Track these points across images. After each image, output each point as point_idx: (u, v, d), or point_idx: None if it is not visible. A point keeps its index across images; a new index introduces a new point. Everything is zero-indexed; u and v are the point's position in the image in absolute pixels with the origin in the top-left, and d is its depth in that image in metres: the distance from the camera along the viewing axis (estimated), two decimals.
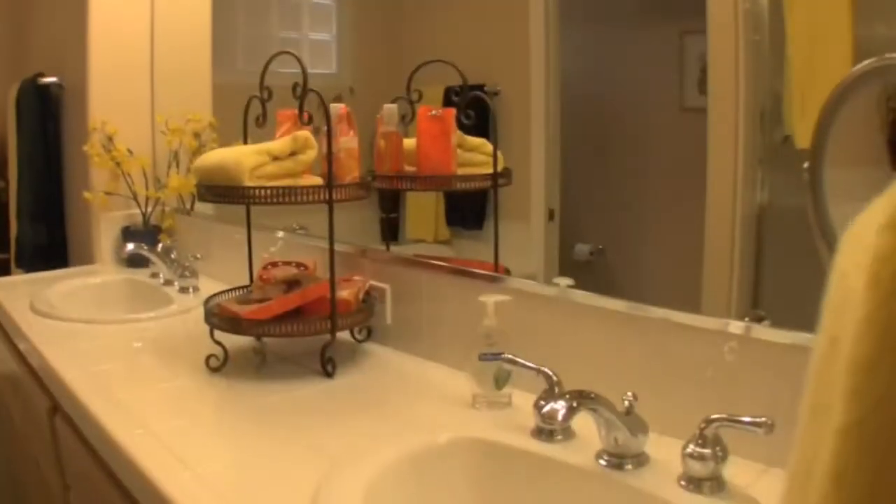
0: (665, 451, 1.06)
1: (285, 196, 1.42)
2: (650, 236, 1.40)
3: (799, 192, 1.14)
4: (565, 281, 1.36)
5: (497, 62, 1.65)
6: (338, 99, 1.84)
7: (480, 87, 1.59)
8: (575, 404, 0.99)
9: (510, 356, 1.19)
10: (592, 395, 1.02)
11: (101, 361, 1.67)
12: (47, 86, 3.00)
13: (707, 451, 0.98)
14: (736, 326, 1.12)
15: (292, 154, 1.50)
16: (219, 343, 1.53)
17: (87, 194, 2.60)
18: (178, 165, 2.50)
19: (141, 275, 2.48)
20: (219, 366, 1.52)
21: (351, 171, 1.51)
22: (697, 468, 0.99)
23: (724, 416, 0.98)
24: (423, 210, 1.81)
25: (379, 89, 1.89)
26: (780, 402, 0.97)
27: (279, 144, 1.49)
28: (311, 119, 1.51)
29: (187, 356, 1.66)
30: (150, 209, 2.60)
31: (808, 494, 0.47)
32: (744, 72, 1.22)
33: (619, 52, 1.48)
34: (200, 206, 2.54)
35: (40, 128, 3.04)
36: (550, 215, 1.57)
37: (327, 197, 1.45)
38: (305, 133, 1.51)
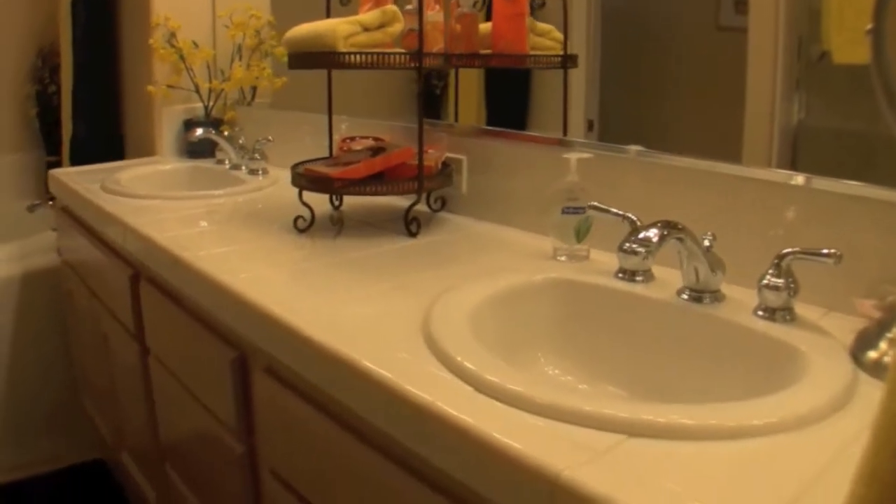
0: (738, 293, 1.19)
1: (378, 61, 1.56)
2: (687, 154, 1.47)
3: (834, 112, 1.26)
4: (636, 147, 1.49)
5: None
6: None
7: None
8: (665, 232, 1.13)
9: (597, 204, 1.33)
10: (680, 226, 1.15)
11: (183, 228, 1.82)
12: None
13: (781, 281, 1.11)
14: (798, 178, 1.25)
15: (380, 27, 1.62)
16: (306, 205, 1.68)
17: (150, 87, 2.74)
18: (240, 59, 2.63)
19: (205, 163, 2.63)
20: (306, 227, 1.67)
21: (437, 43, 1.64)
22: (772, 298, 1.12)
23: (797, 248, 1.12)
24: (466, 109, 1.94)
25: None
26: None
27: (369, 16, 1.61)
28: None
29: (270, 221, 1.81)
30: (211, 102, 2.74)
31: None
32: None
33: None
34: (260, 100, 2.68)
35: (97, 28, 3.17)
36: (590, 126, 1.68)
37: (417, 64, 1.58)
38: (394, 7, 1.64)
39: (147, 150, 2.94)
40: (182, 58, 2.67)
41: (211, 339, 1.48)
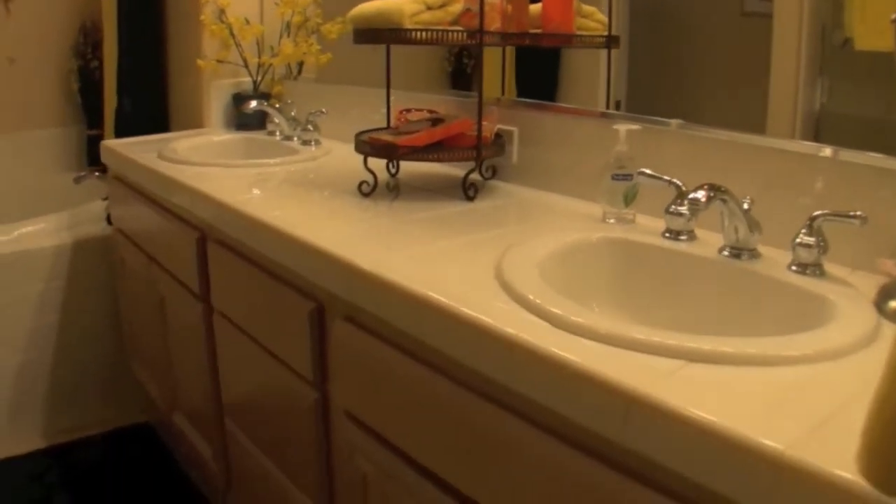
0: (772, 253, 1.34)
1: (440, 38, 1.72)
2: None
3: (856, 97, 1.37)
4: (677, 121, 1.64)
5: None
6: None
7: None
8: (712, 194, 1.29)
9: (646, 170, 1.48)
10: (724, 188, 1.30)
11: (249, 192, 1.99)
12: None
13: (813, 240, 1.26)
14: (826, 150, 1.39)
15: (442, 6, 1.78)
16: (370, 170, 1.84)
17: (199, 62, 2.89)
18: (288, 35, 2.78)
19: (256, 135, 2.80)
20: (370, 190, 1.83)
21: (493, 23, 1.79)
22: (804, 255, 1.27)
23: (827, 211, 1.27)
24: (493, 86, 2.10)
25: None
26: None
27: None
28: None
29: (332, 187, 1.98)
30: (259, 77, 2.90)
31: None
32: None
33: None
34: (305, 75, 2.84)
35: (142, 4, 3.34)
36: (617, 106, 1.82)
37: (476, 41, 1.73)
38: None
39: (195, 122, 3.10)
40: (232, 34, 2.83)
41: (287, 292, 1.64)
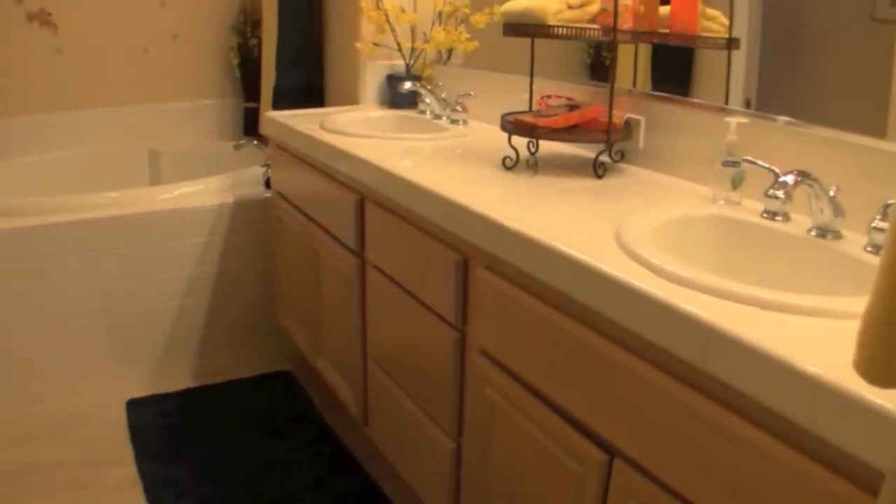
0: (853, 236, 1.59)
1: (579, 34, 2.04)
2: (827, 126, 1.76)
3: None
4: (784, 117, 1.92)
5: None
6: None
7: None
8: (800, 178, 1.58)
9: (750, 158, 1.77)
10: (811, 174, 1.59)
11: (404, 160, 2.34)
12: None
13: (887, 224, 1.54)
14: None
15: (581, 5, 2.10)
16: (513, 147, 2.18)
17: (357, 44, 3.29)
18: (440, 23, 3.14)
19: (409, 112, 3.18)
20: (513, 165, 2.17)
21: (626, 22, 2.10)
22: (879, 238, 1.53)
23: None
24: (628, 63, 2.38)
25: None
26: None
27: None
28: None
29: (478, 160, 2.32)
30: (412, 61, 3.27)
31: None
32: None
33: None
34: (453, 60, 3.20)
35: None
36: (747, 104, 2.03)
37: (612, 37, 2.05)
38: None
39: (350, 99, 3.51)
40: (388, 20, 3.21)
41: (436, 246, 1.99)
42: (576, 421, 1.56)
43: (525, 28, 2.09)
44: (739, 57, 2.03)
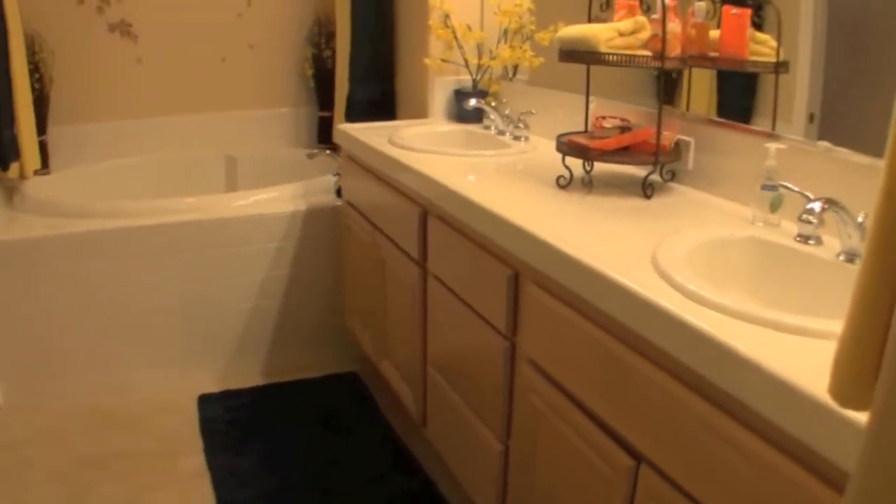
0: None
1: (629, 61, 2.17)
2: (867, 153, 1.80)
3: None
4: (825, 144, 2.01)
5: None
6: None
7: None
8: (827, 205, 1.69)
9: (786, 184, 1.88)
10: (838, 202, 1.70)
11: (465, 177, 2.49)
12: None
13: None
14: None
15: (633, 33, 2.22)
16: (567, 167, 2.31)
17: (426, 60, 3.46)
18: (506, 41, 3.28)
19: (474, 127, 3.32)
20: (566, 184, 2.31)
21: (674, 49, 2.22)
22: None
23: None
24: (699, 99, 2.47)
25: None
26: None
27: (624, 24, 2.21)
28: (648, 8, 2.24)
29: (535, 178, 2.45)
30: (479, 76, 3.42)
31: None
32: None
33: None
34: (519, 76, 3.34)
35: (374, 3, 3.92)
36: (810, 118, 2.08)
37: (660, 64, 2.17)
38: (643, 18, 2.23)
39: (419, 112, 3.68)
40: (456, 37, 3.36)
41: (490, 260, 2.13)
42: (608, 428, 1.69)
43: (578, 55, 2.22)
44: (802, 71, 2.08)
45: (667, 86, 2.46)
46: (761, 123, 2.19)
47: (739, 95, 2.34)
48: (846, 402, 0.96)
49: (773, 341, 1.35)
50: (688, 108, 2.46)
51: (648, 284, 1.58)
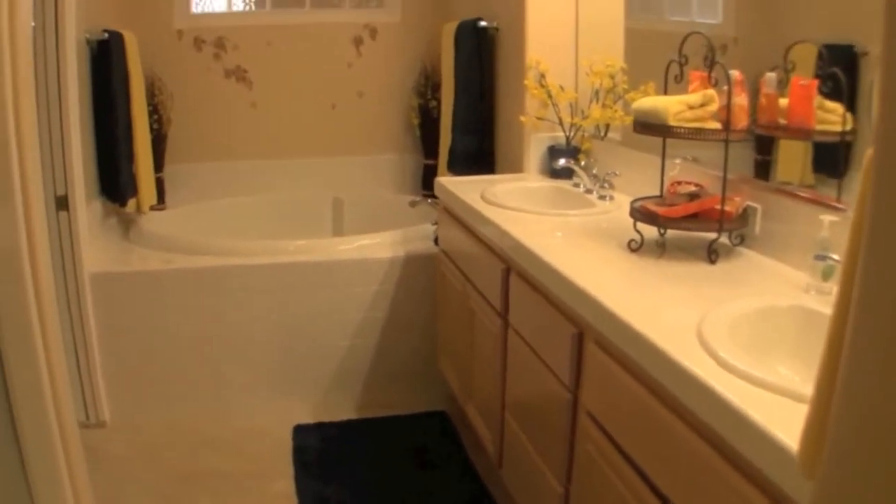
0: None
1: (696, 134, 2.32)
2: None
3: None
4: None
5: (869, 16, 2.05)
6: (723, 49, 2.65)
7: (850, 48, 2.21)
8: None
9: (836, 256, 2.01)
10: None
11: (544, 236, 2.68)
12: (485, 28, 4.08)
13: None
14: None
15: (702, 105, 2.37)
16: (639, 232, 2.47)
17: (522, 118, 3.66)
18: (597, 100, 3.45)
19: (564, 184, 3.50)
20: (637, 248, 2.46)
21: (741, 121, 2.35)
22: None
23: None
24: (792, 156, 2.58)
25: (758, 41, 2.65)
26: None
27: (693, 97, 2.37)
28: (717, 82, 2.39)
29: (611, 239, 2.62)
30: (572, 134, 3.60)
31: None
32: None
33: None
34: (611, 134, 3.50)
35: (476, 60, 4.13)
36: None
37: (725, 137, 2.32)
38: (712, 92, 2.38)
39: (515, 167, 3.89)
40: (550, 96, 3.55)
41: (559, 318, 2.31)
42: (646, 477, 1.85)
43: (650, 126, 2.39)
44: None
45: (763, 149, 2.57)
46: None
47: (832, 161, 2.36)
48: (811, 473, 0.98)
49: (793, 411, 1.46)
50: (766, 178, 2.56)
51: (687, 350, 1.73)
